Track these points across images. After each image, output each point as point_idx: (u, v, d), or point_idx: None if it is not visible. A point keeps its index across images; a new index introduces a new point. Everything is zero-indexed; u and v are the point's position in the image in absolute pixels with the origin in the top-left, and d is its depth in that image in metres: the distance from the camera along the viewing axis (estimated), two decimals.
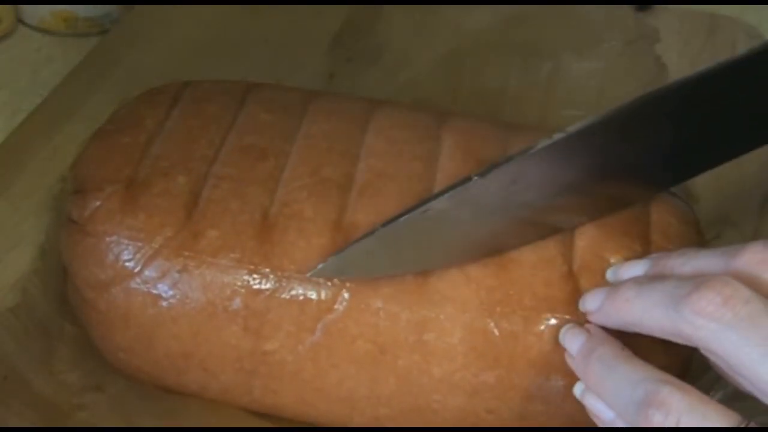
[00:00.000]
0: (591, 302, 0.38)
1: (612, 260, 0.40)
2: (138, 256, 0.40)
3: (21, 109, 0.59)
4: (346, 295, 0.39)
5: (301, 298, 0.39)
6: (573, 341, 0.38)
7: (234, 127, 0.45)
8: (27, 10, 0.67)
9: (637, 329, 0.36)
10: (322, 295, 0.39)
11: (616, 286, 0.38)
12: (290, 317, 0.39)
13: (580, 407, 0.38)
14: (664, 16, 0.69)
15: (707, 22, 0.69)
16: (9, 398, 0.42)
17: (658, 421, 0.32)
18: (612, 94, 0.63)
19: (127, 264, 0.40)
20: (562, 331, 0.39)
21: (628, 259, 0.40)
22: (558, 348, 0.39)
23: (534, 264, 0.39)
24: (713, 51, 0.66)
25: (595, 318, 0.38)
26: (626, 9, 0.70)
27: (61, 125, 0.56)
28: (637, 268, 0.39)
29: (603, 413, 0.36)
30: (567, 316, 0.39)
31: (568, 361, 0.38)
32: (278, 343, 0.39)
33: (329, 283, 0.39)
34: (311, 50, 0.65)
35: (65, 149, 0.54)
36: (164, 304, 0.40)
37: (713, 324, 0.32)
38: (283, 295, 0.39)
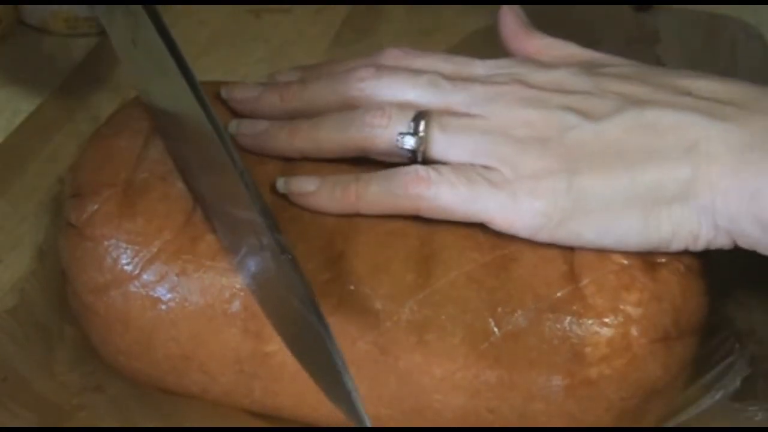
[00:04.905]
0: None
1: (613, 258, 0.40)
2: (136, 259, 0.40)
3: (21, 109, 0.59)
4: (346, 296, 0.39)
5: None
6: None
7: None
8: (27, 10, 0.67)
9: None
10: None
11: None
12: None
13: (581, 406, 0.38)
14: (664, 16, 0.69)
15: (707, 22, 0.69)
16: (9, 399, 0.42)
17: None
18: None
19: (125, 267, 0.40)
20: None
21: (628, 257, 0.39)
22: (559, 348, 0.38)
23: (535, 264, 0.39)
24: (713, 51, 0.66)
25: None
26: (626, 9, 0.70)
27: (61, 125, 0.56)
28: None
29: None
30: (568, 316, 0.38)
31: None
32: (278, 345, 0.39)
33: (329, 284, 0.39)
34: (311, 50, 0.65)
35: (65, 150, 0.54)
36: (163, 307, 0.40)
37: None
38: None
